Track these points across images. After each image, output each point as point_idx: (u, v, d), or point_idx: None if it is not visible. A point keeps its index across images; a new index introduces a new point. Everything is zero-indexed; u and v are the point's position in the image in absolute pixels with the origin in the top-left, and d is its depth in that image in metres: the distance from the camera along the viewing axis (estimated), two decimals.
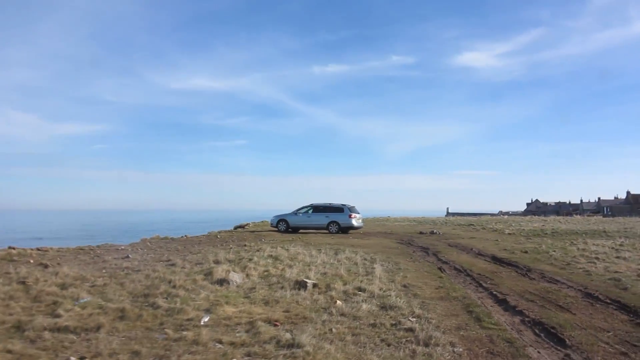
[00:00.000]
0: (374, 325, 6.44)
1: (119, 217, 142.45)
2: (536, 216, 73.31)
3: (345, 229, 27.56)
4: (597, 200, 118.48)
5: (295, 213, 28.24)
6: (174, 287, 9.13)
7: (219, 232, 29.02)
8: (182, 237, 25.18)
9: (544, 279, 11.01)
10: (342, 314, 7.04)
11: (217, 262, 12.83)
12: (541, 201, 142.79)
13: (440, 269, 12.62)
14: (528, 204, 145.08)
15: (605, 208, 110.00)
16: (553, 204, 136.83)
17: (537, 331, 6.39)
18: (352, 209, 27.89)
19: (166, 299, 8.00)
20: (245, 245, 18.44)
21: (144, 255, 15.52)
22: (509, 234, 27.81)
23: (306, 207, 28.50)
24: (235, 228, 35.66)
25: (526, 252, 16.97)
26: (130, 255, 15.28)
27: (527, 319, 7.04)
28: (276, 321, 6.59)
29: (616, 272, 11.94)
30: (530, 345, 5.71)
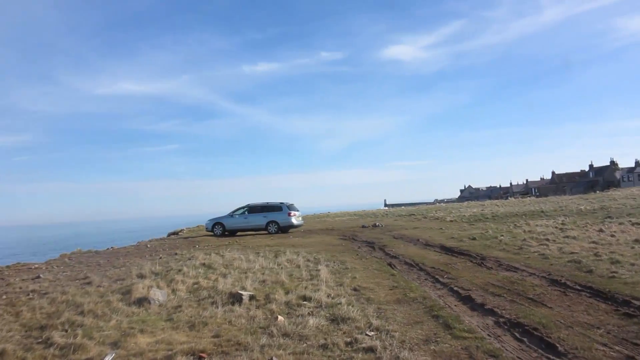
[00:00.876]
0: (325, 347, 5.19)
1: (44, 232, 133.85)
2: (473, 201, 74.86)
3: (285, 228, 26.24)
4: (525, 182, 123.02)
5: (232, 215, 26.61)
6: (82, 313, 7.54)
7: (150, 240, 26.90)
8: (107, 249, 23.02)
9: (502, 268, 10.18)
10: (285, 334, 5.73)
11: (140, 276, 11.22)
12: (474, 187, 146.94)
13: (390, 265, 11.57)
14: (461, 190, 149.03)
15: (533, 189, 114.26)
16: (484, 188, 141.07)
17: (518, 335, 5.35)
18: (291, 207, 26.60)
19: (66, 331, 6.42)
20: (176, 254, 16.77)
21: (59, 274, 13.61)
22: (451, 221, 27.47)
23: (243, 208, 26.93)
24: (169, 235, 33.60)
25: (474, 238, 16.32)
26: (41, 275, 13.35)
27: (501, 319, 6.02)
28: (202, 353, 5.21)
29: (572, 252, 11.35)
30: (519, 357, 4.64)
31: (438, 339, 5.31)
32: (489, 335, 5.41)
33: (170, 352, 5.24)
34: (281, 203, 26.58)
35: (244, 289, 8.54)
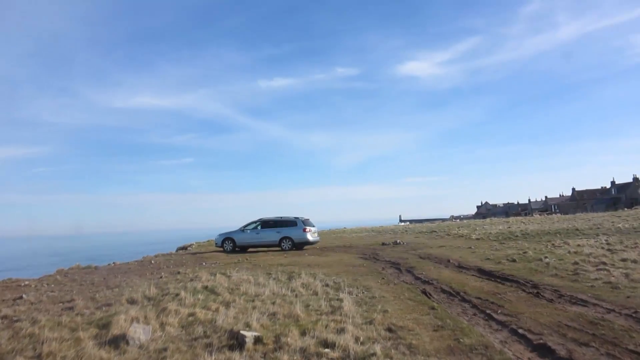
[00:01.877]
0: None
1: (60, 244, 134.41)
2: (492, 218, 72.15)
3: (300, 245, 24.45)
4: (544, 199, 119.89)
5: (243, 230, 24.89)
6: (38, 357, 5.85)
7: (156, 256, 25.27)
8: (109, 264, 21.43)
9: (566, 300, 8.28)
10: None
11: (131, 301, 9.59)
12: (490, 203, 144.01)
13: (425, 293, 9.70)
14: (478, 207, 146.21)
15: (552, 206, 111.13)
16: (502, 205, 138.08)
17: None
18: (306, 222, 24.83)
19: None
20: (179, 273, 15.09)
21: (44, 295, 12.01)
22: (478, 239, 25.47)
23: (255, 222, 25.22)
24: (178, 250, 32.06)
25: (514, 260, 14.36)
26: (24, 296, 11.78)
27: None
28: None
29: None
30: None
31: None
32: None
33: None
34: (296, 218, 24.86)
35: (248, 326, 6.77)
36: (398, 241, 25.71)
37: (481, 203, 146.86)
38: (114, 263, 21.86)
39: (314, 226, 25.34)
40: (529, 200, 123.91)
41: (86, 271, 18.68)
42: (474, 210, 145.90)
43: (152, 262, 20.91)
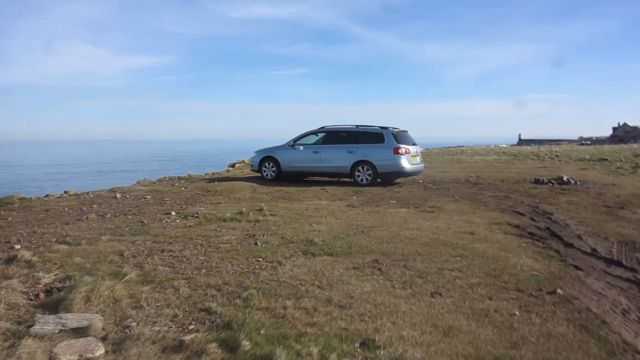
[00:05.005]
0: None
1: (181, 147, 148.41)
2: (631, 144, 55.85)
3: (388, 176, 13.99)
4: None
5: (293, 145, 14.75)
6: None
7: (160, 179, 16.11)
8: (39, 197, 12.57)
9: None
10: None
11: None
12: (630, 125, 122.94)
13: None
14: (614, 128, 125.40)
15: None
16: None
17: None
18: (400, 137, 14.02)
19: None
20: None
21: None
22: None
23: (314, 132, 15.00)
24: (228, 168, 23.88)
25: None
26: None
27: None
28: None
29: None
30: None
31: None
32: None
33: None
34: (383, 128, 14.16)
35: None
36: (565, 178, 14.34)
37: (618, 124, 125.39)
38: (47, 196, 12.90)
39: (415, 144, 14.54)
40: None
41: None
42: (607, 132, 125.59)
43: (118, 196, 11.67)
